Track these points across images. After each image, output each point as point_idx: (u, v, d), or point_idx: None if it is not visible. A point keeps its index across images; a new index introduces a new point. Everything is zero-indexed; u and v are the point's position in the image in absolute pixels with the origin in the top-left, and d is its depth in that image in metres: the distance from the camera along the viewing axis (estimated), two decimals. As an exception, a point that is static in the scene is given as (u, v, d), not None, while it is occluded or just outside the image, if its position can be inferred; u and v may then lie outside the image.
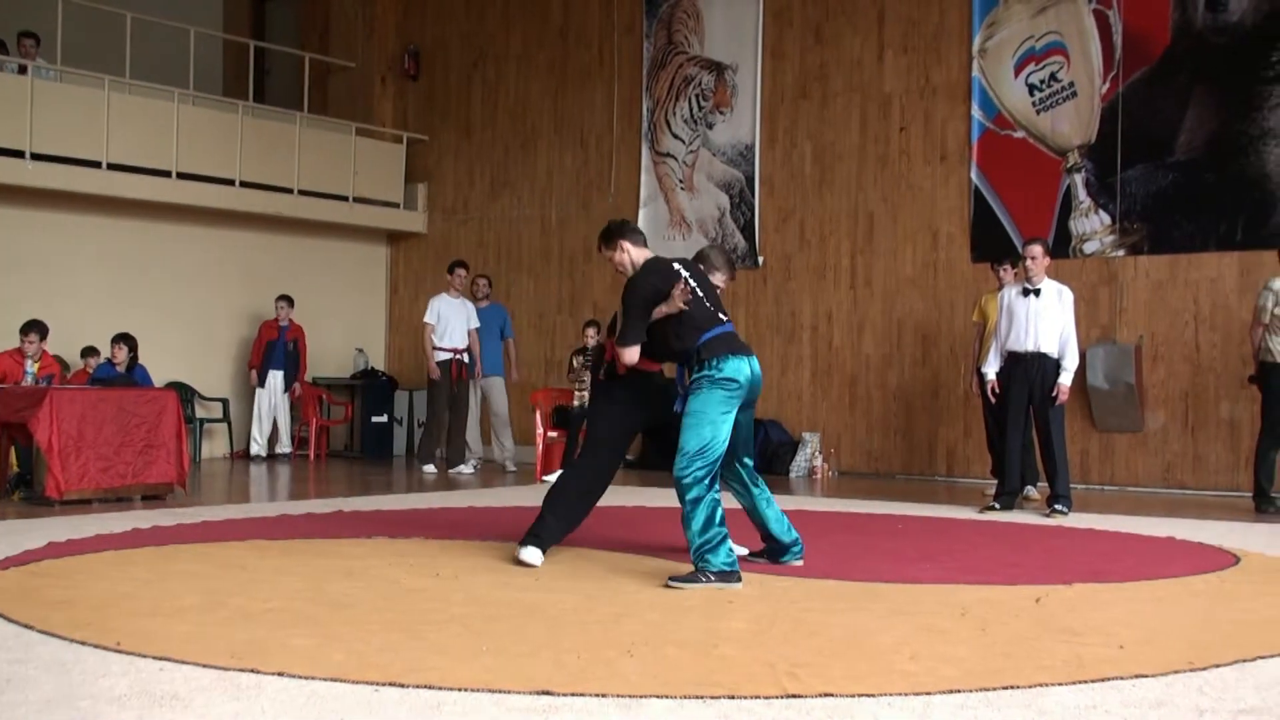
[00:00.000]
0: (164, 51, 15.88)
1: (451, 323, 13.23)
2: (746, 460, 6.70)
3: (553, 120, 16.11)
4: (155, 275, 15.04)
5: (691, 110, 14.85)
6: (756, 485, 6.72)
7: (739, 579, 6.05)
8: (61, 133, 13.72)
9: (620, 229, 6.69)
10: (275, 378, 14.99)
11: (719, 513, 6.16)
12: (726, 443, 6.23)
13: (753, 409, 6.65)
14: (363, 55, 17.50)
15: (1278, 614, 5.45)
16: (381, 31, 17.48)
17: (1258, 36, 11.55)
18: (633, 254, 6.60)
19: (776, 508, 6.81)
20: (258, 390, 14.97)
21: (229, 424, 15.49)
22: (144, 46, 15.10)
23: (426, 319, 13.29)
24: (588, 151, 15.79)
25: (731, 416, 6.26)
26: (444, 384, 13.20)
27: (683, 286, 6.29)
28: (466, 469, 13.24)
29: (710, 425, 6.16)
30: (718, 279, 7.00)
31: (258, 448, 14.95)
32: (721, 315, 6.46)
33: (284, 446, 15.19)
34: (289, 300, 15.01)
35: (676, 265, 6.58)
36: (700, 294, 6.44)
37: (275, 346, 14.95)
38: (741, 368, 6.28)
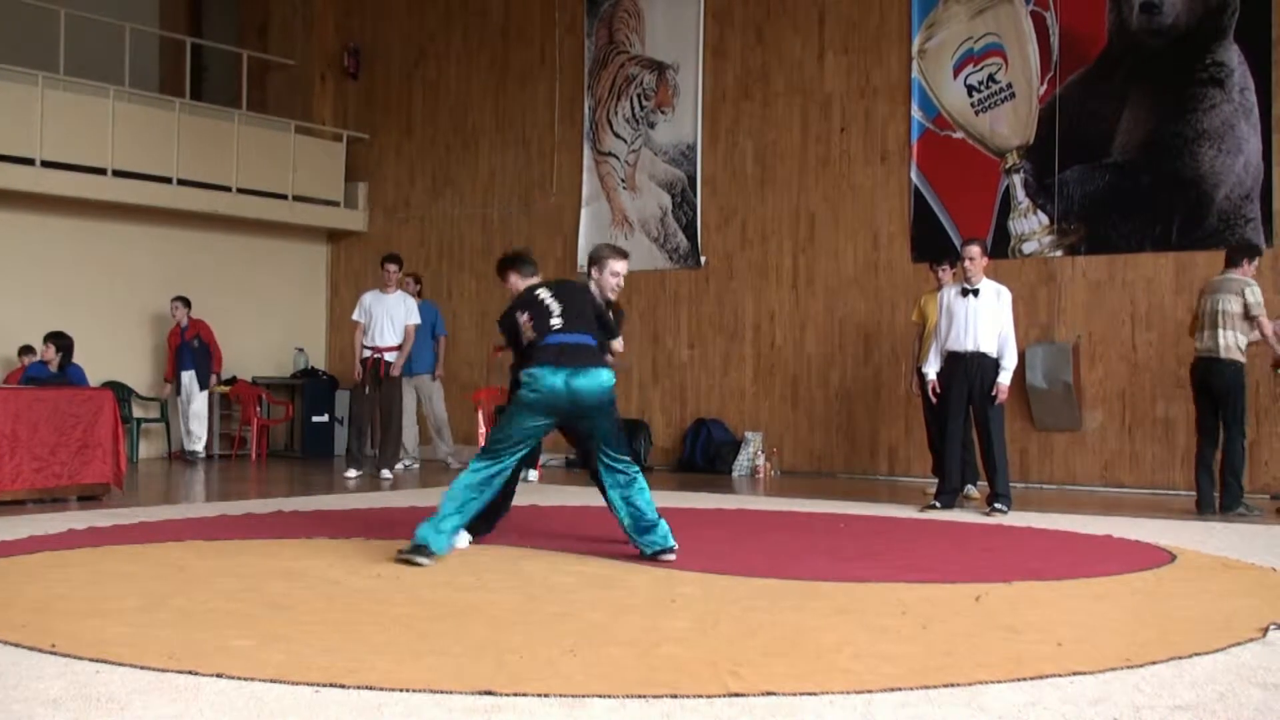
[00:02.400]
0: (99, 48, 15.69)
1: (378, 320, 12.60)
2: (605, 458, 6.97)
3: (494, 119, 16.07)
4: (91, 274, 14.87)
5: (633, 109, 14.86)
6: (613, 478, 6.98)
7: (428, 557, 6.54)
8: (-6, 129, 13.55)
9: (509, 263, 7.40)
10: (189, 378, 14.70)
11: (471, 503, 6.73)
12: (519, 444, 6.82)
13: (595, 420, 6.89)
14: (302, 53, 17.37)
15: (1212, 611, 5.52)
16: (321, 29, 17.36)
17: (1192, 39, 11.69)
18: (516, 285, 7.32)
19: (636, 500, 6.95)
20: (178, 397, 14.75)
21: (166, 424, 15.34)
22: (78, 42, 14.93)
23: (354, 316, 12.86)
24: (529, 150, 15.75)
25: (528, 421, 6.78)
26: (362, 384, 12.61)
27: (524, 320, 6.94)
28: (388, 473, 12.51)
29: (503, 425, 6.89)
30: (618, 267, 7.42)
31: (193, 448, 14.74)
32: (555, 325, 6.88)
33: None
34: (185, 301, 14.68)
35: (538, 292, 7.08)
36: (551, 310, 6.92)
37: (182, 349, 14.69)
38: (546, 379, 6.69)
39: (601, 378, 6.78)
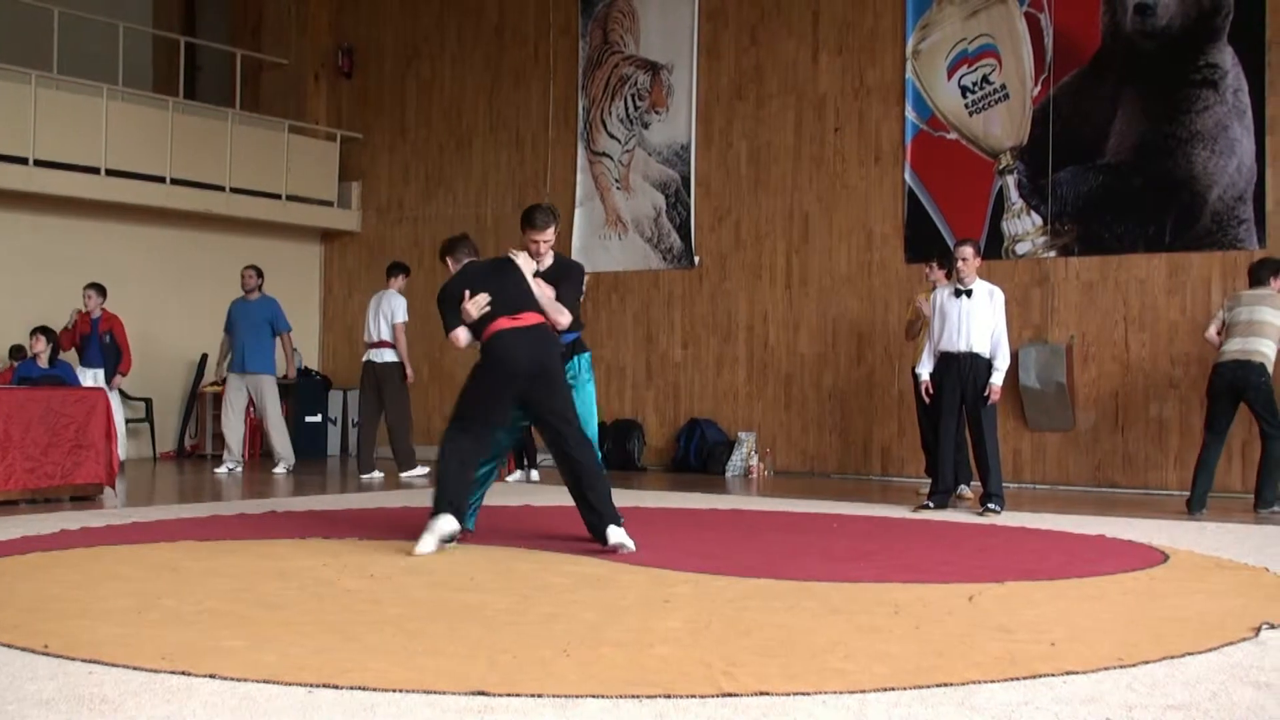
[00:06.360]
0: (92, 46, 15.67)
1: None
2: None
3: (488, 119, 16.07)
4: (83, 274, 14.77)
5: (627, 110, 14.85)
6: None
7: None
8: (-13, 128, 13.52)
9: (447, 248, 7.66)
10: (94, 377, 12.97)
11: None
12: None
13: None
14: (295, 52, 17.36)
15: (1206, 611, 5.52)
16: (315, 28, 17.35)
17: (1185, 41, 11.70)
18: (452, 267, 7.56)
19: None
20: None
21: (151, 424, 15.24)
22: (72, 41, 14.90)
23: (406, 318, 12.65)
24: (523, 151, 15.75)
25: None
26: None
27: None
28: (418, 471, 12.68)
29: None
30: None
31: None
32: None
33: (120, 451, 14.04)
34: (99, 289, 13.32)
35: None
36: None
37: (89, 341, 13.17)
38: None
39: None
